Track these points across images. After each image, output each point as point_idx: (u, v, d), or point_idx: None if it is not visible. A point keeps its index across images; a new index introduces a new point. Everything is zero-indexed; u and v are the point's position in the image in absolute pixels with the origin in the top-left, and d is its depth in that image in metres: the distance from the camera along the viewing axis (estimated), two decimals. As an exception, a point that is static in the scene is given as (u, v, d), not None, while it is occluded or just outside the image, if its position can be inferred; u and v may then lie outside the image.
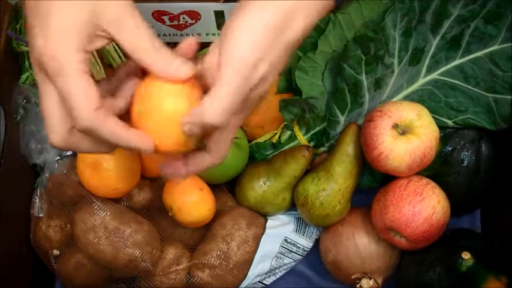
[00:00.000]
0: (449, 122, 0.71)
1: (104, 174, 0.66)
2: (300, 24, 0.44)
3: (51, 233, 0.70)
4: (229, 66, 0.42)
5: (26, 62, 0.73)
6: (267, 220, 0.74)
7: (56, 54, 0.41)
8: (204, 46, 0.76)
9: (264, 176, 0.73)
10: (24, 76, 0.73)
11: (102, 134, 0.43)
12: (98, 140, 0.44)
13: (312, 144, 0.76)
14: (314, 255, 0.77)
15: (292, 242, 0.74)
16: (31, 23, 0.42)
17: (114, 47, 0.70)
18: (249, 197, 0.73)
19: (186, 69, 0.44)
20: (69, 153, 0.73)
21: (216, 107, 0.42)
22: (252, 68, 0.43)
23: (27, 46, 0.71)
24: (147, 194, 0.72)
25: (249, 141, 0.77)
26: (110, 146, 0.46)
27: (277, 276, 0.77)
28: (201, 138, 0.47)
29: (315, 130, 0.75)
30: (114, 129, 0.43)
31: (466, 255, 0.63)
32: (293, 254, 0.75)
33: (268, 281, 0.76)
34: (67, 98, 0.42)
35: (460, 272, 0.64)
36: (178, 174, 0.49)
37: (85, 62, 0.42)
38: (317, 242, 0.77)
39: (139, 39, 0.43)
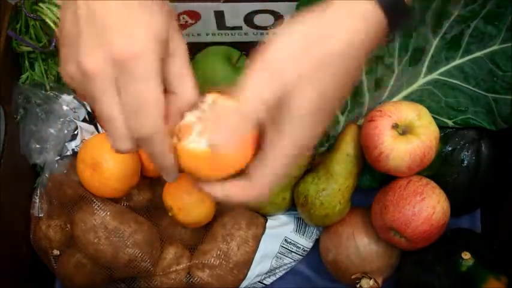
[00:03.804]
0: (449, 122, 0.71)
1: (104, 174, 0.66)
2: (339, 38, 0.42)
3: (51, 233, 0.70)
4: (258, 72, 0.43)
5: (26, 62, 0.73)
6: (267, 220, 0.74)
7: (141, 56, 0.41)
8: (204, 46, 0.77)
9: (264, 176, 0.72)
10: (24, 76, 0.73)
11: (156, 145, 0.43)
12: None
13: (312, 144, 0.76)
14: (314, 255, 0.77)
15: (292, 242, 0.74)
16: (104, 23, 0.41)
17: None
18: (249, 197, 0.73)
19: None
20: (69, 153, 0.73)
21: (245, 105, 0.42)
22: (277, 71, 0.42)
23: (27, 46, 0.71)
24: (147, 194, 0.72)
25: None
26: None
27: (277, 276, 0.77)
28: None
29: (315, 130, 0.75)
30: (167, 146, 0.44)
31: (466, 255, 0.63)
32: (293, 254, 0.75)
33: (268, 281, 0.76)
34: (143, 102, 0.41)
35: (460, 272, 0.64)
36: (214, 195, 0.47)
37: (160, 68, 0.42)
38: (317, 242, 0.77)
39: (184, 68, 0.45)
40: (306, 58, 0.42)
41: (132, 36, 0.41)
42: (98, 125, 0.75)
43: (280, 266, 0.75)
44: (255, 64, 0.42)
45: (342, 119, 0.73)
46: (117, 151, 0.44)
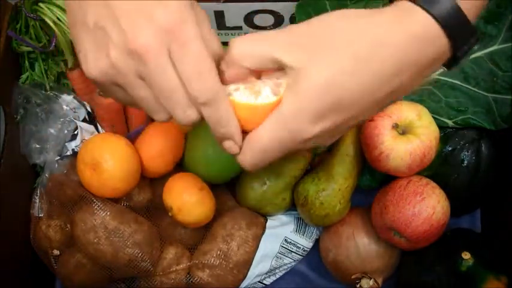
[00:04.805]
0: (449, 122, 0.71)
1: (104, 174, 0.66)
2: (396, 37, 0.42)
3: (51, 233, 0.70)
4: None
5: (26, 62, 0.73)
6: (267, 220, 0.74)
7: (185, 20, 0.41)
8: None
9: (264, 176, 0.73)
10: (24, 76, 0.73)
11: (220, 105, 0.43)
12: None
13: (312, 144, 0.76)
14: (314, 255, 0.77)
15: (292, 242, 0.74)
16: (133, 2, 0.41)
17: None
18: (249, 197, 0.73)
19: None
20: (69, 153, 0.73)
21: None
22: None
23: (27, 46, 0.71)
24: (147, 194, 0.72)
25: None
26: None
27: (277, 276, 0.77)
28: None
29: (315, 130, 0.75)
30: (230, 105, 0.44)
31: (466, 255, 0.63)
32: (293, 254, 0.75)
33: (268, 281, 0.76)
34: (201, 63, 0.41)
35: (460, 272, 0.64)
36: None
37: None
38: (317, 242, 0.77)
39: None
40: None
41: (168, 5, 0.41)
42: (98, 125, 0.75)
43: (280, 266, 0.75)
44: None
45: (342, 119, 0.73)
46: (186, 124, 0.44)
